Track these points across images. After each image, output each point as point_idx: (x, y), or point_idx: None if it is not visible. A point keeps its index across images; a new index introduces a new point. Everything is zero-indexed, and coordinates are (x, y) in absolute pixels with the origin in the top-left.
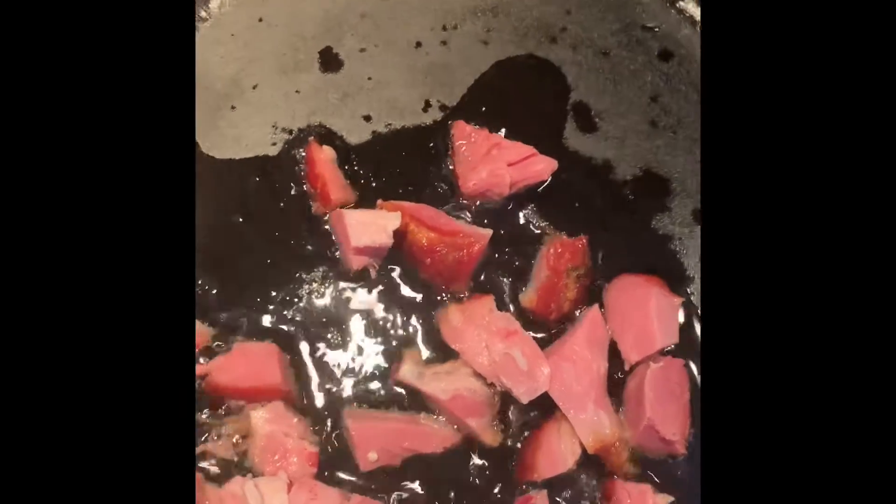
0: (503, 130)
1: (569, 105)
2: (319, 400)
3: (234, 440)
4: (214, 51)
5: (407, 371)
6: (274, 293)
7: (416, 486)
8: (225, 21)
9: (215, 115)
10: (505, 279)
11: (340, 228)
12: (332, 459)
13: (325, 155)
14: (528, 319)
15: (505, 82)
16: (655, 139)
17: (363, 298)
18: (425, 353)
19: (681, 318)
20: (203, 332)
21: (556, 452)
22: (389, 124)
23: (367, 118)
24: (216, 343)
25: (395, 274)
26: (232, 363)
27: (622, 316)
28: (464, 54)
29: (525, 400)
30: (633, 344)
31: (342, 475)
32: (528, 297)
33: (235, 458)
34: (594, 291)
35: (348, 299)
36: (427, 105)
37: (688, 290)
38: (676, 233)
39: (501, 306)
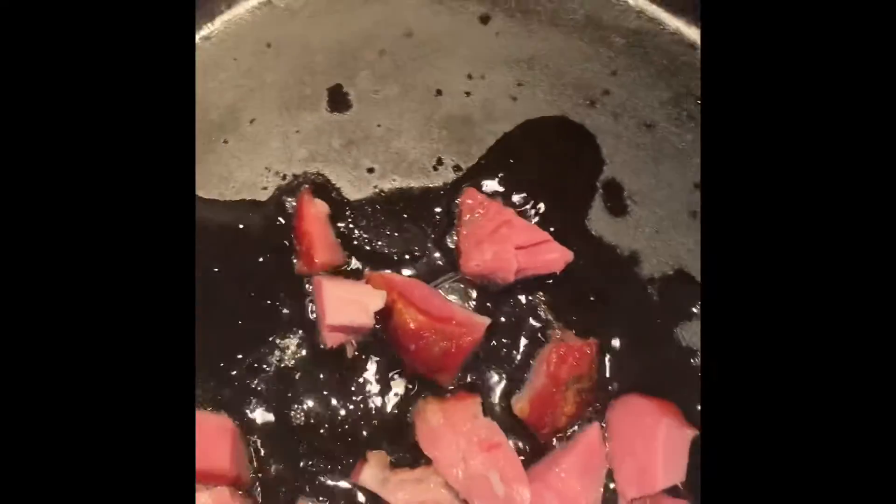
0: (519, 201)
1: (599, 181)
2: (271, 489)
3: None
4: (214, 75)
5: (369, 475)
6: (240, 357)
7: None
8: (229, 42)
9: (205, 147)
10: (497, 377)
11: (319, 299)
12: None
13: (316, 209)
14: (516, 423)
15: (530, 146)
16: (694, 234)
17: (335, 379)
18: (394, 452)
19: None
20: None
21: None
22: (394, 180)
23: (371, 170)
24: None
25: (375, 357)
26: None
27: (624, 443)
28: (488, 108)
29: None
30: (632, 478)
31: None
32: (521, 404)
33: None
34: (596, 406)
35: (319, 378)
36: (439, 163)
37: None
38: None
39: (489, 408)
